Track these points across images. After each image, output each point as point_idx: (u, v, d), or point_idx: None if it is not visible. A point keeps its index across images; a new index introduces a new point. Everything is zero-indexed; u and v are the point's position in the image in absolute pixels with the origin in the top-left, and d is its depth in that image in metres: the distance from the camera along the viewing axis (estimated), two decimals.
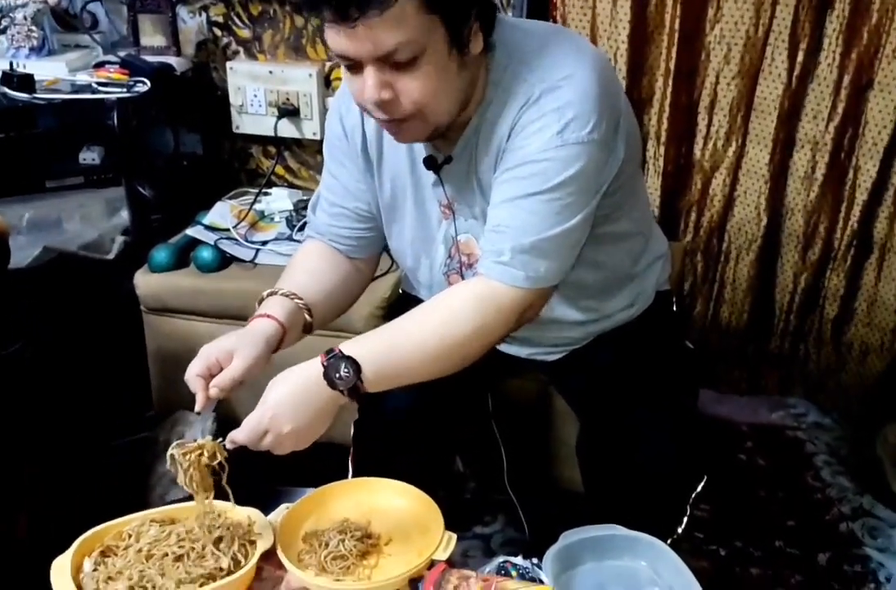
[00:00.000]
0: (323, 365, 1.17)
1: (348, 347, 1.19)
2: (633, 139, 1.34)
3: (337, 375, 1.17)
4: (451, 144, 1.32)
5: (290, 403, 1.17)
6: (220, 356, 1.27)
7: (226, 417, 2.12)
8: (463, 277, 1.47)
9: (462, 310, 1.24)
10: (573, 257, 1.29)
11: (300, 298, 1.39)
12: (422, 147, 1.35)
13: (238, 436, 1.17)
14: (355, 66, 1.17)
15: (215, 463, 1.18)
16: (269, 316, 1.34)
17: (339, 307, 1.50)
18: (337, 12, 1.09)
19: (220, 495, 1.24)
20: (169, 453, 1.18)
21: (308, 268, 1.47)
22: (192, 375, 1.26)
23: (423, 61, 1.15)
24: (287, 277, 1.45)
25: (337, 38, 1.14)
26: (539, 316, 1.40)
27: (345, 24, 1.10)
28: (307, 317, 1.40)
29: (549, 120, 1.20)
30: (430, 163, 1.34)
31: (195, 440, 1.18)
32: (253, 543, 1.20)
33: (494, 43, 1.24)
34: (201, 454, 1.17)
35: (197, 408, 1.25)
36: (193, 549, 1.16)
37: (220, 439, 1.18)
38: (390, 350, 1.22)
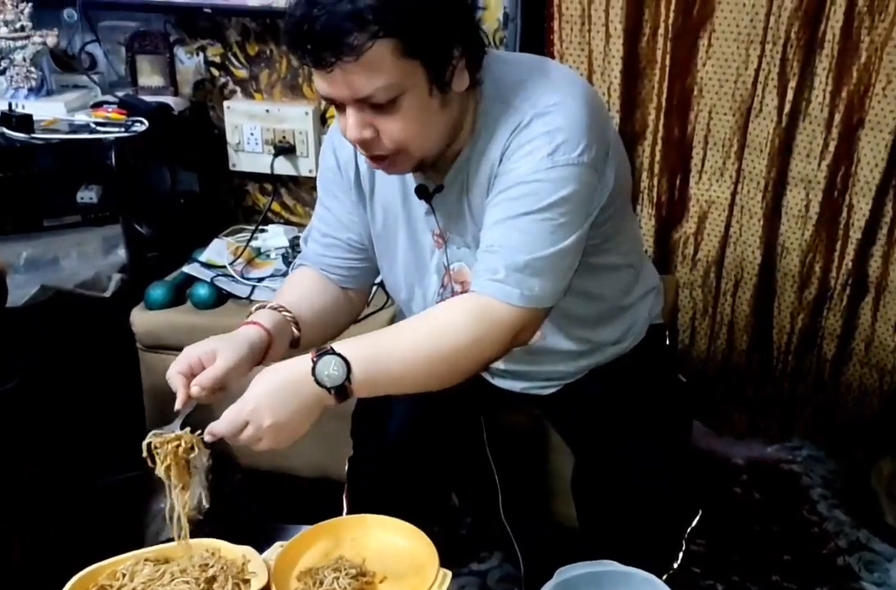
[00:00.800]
0: (312, 361, 1.15)
1: (340, 346, 1.18)
2: (622, 171, 1.36)
3: (326, 373, 1.15)
4: (442, 174, 1.34)
5: (274, 397, 1.14)
6: (203, 356, 1.25)
7: (221, 451, 2.12)
8: None
9: (456, 322, 1.22)
10: (566, 280, 1.29)
11: (288, 312, 1.38)
12: (413, 177, 1.37)
13: (217, 427, 1.14)
14: (339, 106, 1.21)
15: (192, 456, 1.16)
16: (255, 323, 1.33)
17: (327, 328, 1.48)
18: (312, 58, 1.13)
19: (211, 533, 1.25)
20: (145, 442, 1.15)
21: (298, 289, 1.48)
22: (174, 372, 1.24)
23: (402, 103, 1.17)
24: (276, 295, 1.46)
25: (318, 81, 1.18)
26: (531, 346, 1.40)
27: (321, 68, 1.13)
28: (295, 331, 1.39)
29: (540, 143, 1.22)
30: (421, 192, 1.36)
31: (173, 432, 1.16)
32: (247, 581, 1.19)
33: (483, 77, 1.27)
34: (179, 446, 1.15)
35: (177, 406, 1.22)
36: (188, 589, 1.16)
37: (199, 432, 1.16)
38: (382, 354, 1.20)
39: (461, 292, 1.44)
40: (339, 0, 1.10)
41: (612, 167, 1.31)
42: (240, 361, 1.26)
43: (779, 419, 2.51)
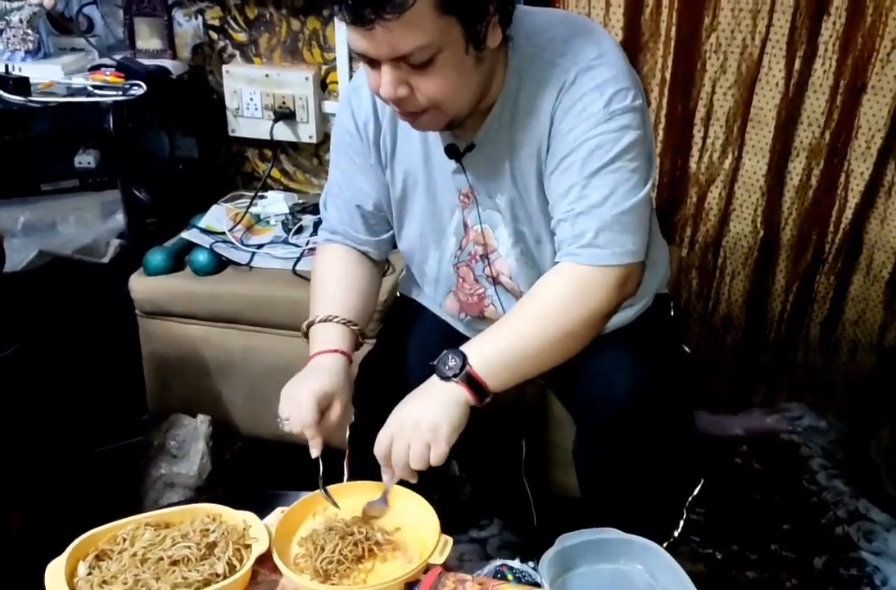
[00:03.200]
0: (432, 364, 1.23)
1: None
2: (648, 127, 1.36)
3: (446, 367, 1.21)
4: (472, 132, 1.33)
5: (410, 404, 1.23)
6: (322, 401, 1.32)
7: (222, 418, 2.13)
8: (472, 270, 1.48)
9: (557, 299, 1.26)
10: (647, 230, 1.31)
11: (356, 325, 1.43)
12: (438, 137, 1.36)
13: (375, 450, 1.23)
14: (372, 61, 1.19)
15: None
16: (336, 351, 1.39)
17: (373, 309, 1.55)
18: (353, 15, 1.10)
19: (213, 499, 1.24)
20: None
21: (344, 282, 1.50)
22: (309, 424, 1.30)
23: (438, 61, 1.16)
24: (331, 294, 1.48)
25: (355, 38, 1.15)
26: None
27: (361, 26, 1.11)
28: (360, 339, 1.45)
29: (592, 97, 1.23)
30: (451, 151, 1.35)
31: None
32: (248, 547, 1.20)
33: (512, 32, 1.25)
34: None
35: (315, 453, 1.31)
36: (189, 554, 1.16)
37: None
38: (497, 344, 1.25)
39: (481, 255, 1.45)
40: None
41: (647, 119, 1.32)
42: (349, 397, 1.37)
43: (770, 388, 2.52)
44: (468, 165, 1.36)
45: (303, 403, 1.30)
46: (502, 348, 1.25)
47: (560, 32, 1.27)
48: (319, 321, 1.42)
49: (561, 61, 1.25)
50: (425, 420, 1.19)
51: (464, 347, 1.24)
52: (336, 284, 1.49)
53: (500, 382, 1.24)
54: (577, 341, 1.29)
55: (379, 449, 1.22)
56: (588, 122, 1.23)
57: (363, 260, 1.54)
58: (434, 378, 1.23)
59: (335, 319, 1.42)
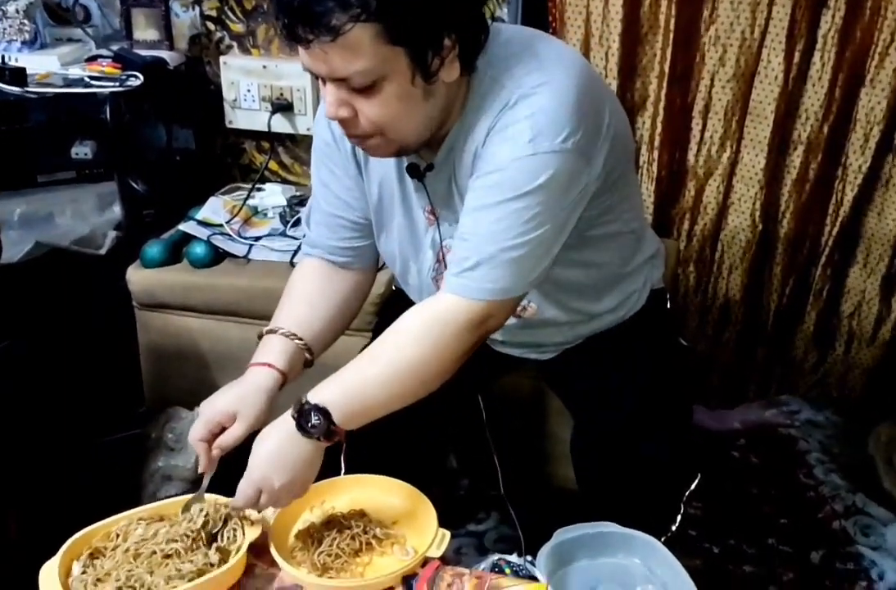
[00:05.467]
0: (294, 418, 1.18)
1: (314, 395, 1.19)
2: (620, 145, 1.29)
3: (310, 425, 1.17)
4: (434, 152, 1.30)
5: (274, 462, 1.18)
6: (223, 419, 1.28)
7: None
8: None
9: (413, 341, 1.21)
10: (539, 270, 1.24)
11: (301, 339, 1.37)
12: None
13: (236, 503, 1.19)
14: (322, 79, 1.16)
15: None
16: (270, 366, 1.34)
17: (338, 333, 1.49)
18: (288, 32, 1.08)
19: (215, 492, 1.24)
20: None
21: (308, 297, 1.45)
22: (196, 439, 1.27)
23: (381, 88, 1.12)
24: (288, 307, 1.43)
25: (300, 52, 1.12)
26: (527, 320, 1.40)
27: (297, 43, 1.09)
28: (307, 356, 1.40)
29: (522, 127, 1.17)
30: (412, 170, 1.33)
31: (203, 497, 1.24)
32: (247, 520, 1.21)
33: (478, 62, 1.21)
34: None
35: (201, 469, 1.27)
36: (181, 546, 1.15)
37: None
38: (354, 390, 1.21)
39: None
40: None
41: (604, 150, 1.24)
42: (258, 418, 1.29)
43: (768, 383, 2.52)
44: (429, 184, 1.33)
45: (198, 419, 1.28)
46: (362, 402, 1.21)
47: (516, 52, 1.22)
48: (267, 332, 1.38)
49: (508, 83, 1.19)
50: (297, 482, 1.19)
51: (325, 402, 1.18)
52: (297, 299, 1.45)
53: (355, 426, 1.21)
54: (435, 381, 1.24)
55: (243, 500, 1.18)
56: (509, 152, 1.17)
57: (339, 275, 1.48)
58: (294, 433, 1.18)
59: (280, 331, 1.37)
